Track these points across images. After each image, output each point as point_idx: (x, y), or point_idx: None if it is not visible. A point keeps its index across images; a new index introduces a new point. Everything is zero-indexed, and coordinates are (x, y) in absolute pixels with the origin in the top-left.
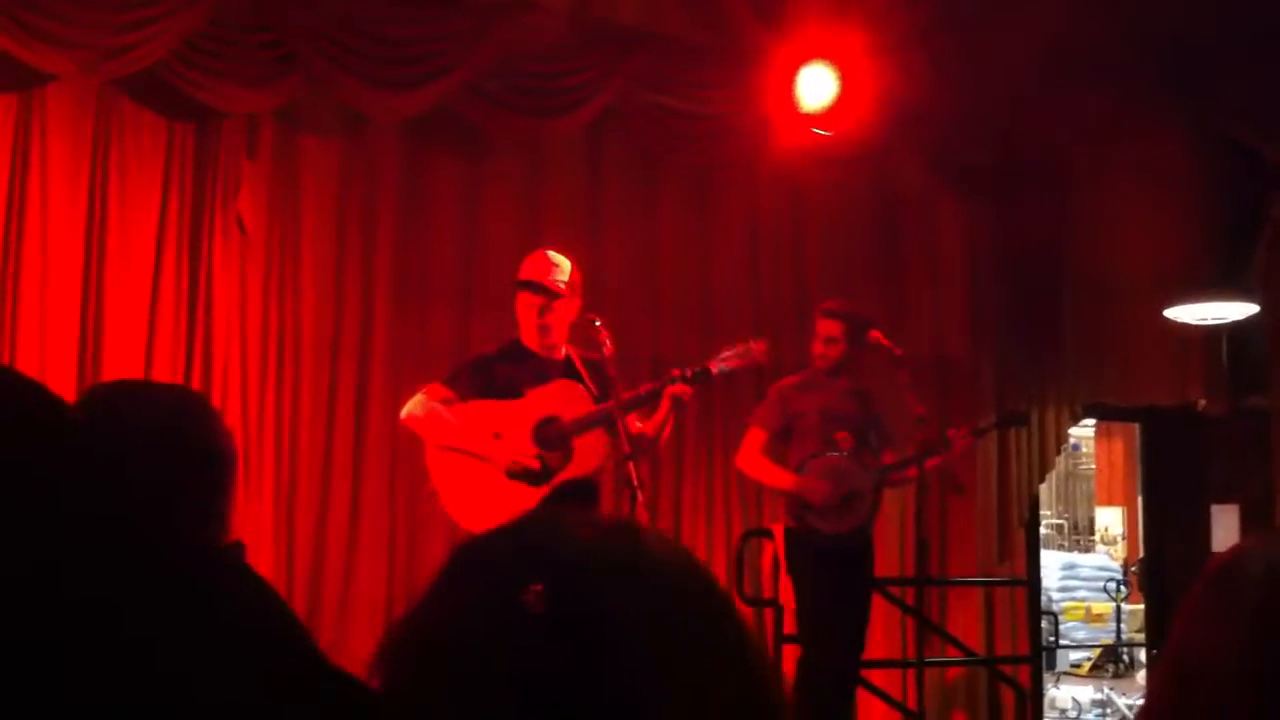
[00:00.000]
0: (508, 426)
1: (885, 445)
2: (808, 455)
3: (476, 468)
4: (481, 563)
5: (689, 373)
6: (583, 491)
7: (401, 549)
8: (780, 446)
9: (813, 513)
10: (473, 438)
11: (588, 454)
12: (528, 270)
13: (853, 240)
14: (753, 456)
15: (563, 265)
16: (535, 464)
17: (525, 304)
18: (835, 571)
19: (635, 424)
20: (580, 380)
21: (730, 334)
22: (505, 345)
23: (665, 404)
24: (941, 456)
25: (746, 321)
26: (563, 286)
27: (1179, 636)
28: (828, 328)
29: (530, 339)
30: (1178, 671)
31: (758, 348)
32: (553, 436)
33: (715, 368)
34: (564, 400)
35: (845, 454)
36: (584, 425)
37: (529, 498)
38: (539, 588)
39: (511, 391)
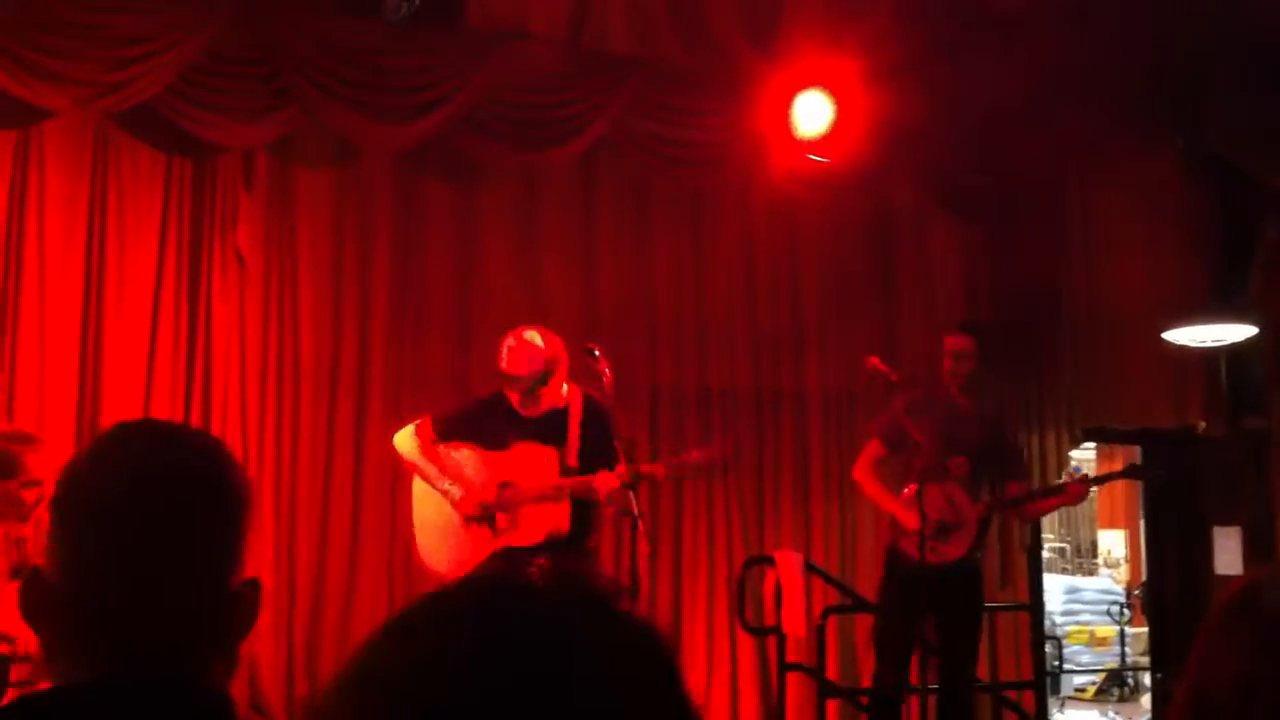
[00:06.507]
0: (478, 478)
1: (1012, 477)
2: (916, 477)
3: (444, 509)
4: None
5: (627, 476)
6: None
7: (400, 575)
8: (898, 460)
9: (906, 537)
10: (442, 480)
11: (534, 525)
12: (508, 364)
13: (848, 265)
14: (866, 470)
15: (536, 343)
16: (486, 507)
17: (513, 391)
18: (916, 598)
19: (645, 466)
20: (562, 437)
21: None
22: (494, 395)
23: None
24: (1060, 499)
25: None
26: (543, 365)
27: (1196, 663)
28: (958, 343)
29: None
30: (1196, 699)
31: (702, 456)
32: (505, 501)
33: (661, 471)
34: (526, 467)
35: (957, 481)
36: (531, 498)
37: (479, 550)
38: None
39: (498, 443)
